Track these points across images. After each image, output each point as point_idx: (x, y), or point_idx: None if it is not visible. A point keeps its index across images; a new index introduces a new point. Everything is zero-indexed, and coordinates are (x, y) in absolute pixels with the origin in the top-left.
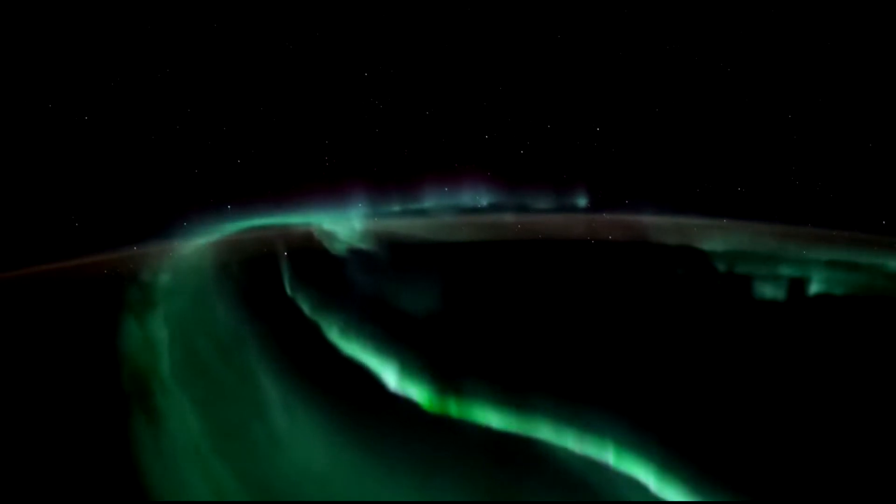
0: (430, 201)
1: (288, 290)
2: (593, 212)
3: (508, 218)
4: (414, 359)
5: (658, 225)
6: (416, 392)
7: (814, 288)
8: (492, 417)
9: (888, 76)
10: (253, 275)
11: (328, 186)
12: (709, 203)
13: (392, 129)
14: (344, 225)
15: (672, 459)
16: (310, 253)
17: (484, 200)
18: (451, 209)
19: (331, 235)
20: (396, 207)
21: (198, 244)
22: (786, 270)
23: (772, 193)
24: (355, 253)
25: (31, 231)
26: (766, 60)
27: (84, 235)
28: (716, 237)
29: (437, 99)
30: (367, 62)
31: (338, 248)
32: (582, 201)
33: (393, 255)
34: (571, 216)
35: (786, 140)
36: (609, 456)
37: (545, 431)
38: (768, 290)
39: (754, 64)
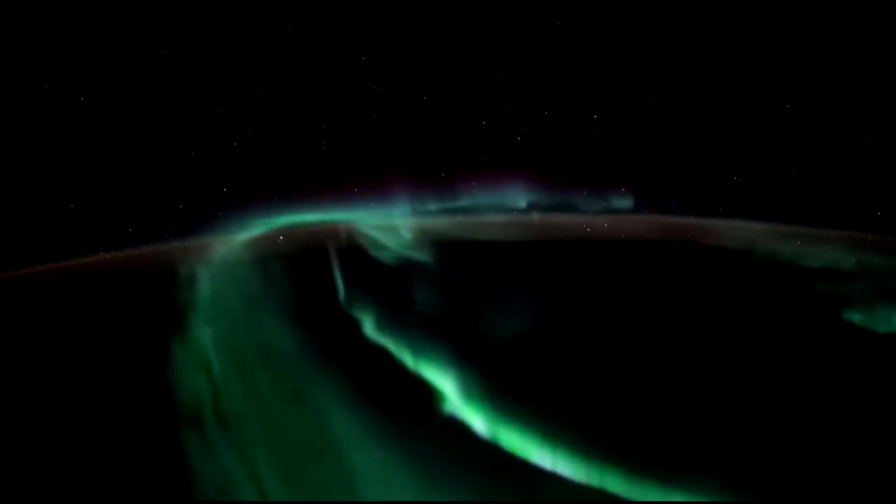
0: (476, 200)
1: (342, 300)
2: (641, 213)
3: (552, 218)
4: (477, 382)
5: (703, 226)
6: (476, 418)
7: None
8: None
9: None
10: (300, 279)
11: (369, 184)
12: (747, 205)
13: (434, 128)
14: (387, 224)
15: None
16: (355, 253)
17: (524, 201)
18: (495, 209)
19: (376, 234)
20: (437, 206)
21: (239, 240)
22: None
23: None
24: (404, 257)
25: (64, 226)
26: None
27: (118, 230)
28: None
29: (478, 99)
30: (412, 66)
31: (385, 250)
32: (629, 202)
33: (444, 258)
34: (623, 217)
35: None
36: None
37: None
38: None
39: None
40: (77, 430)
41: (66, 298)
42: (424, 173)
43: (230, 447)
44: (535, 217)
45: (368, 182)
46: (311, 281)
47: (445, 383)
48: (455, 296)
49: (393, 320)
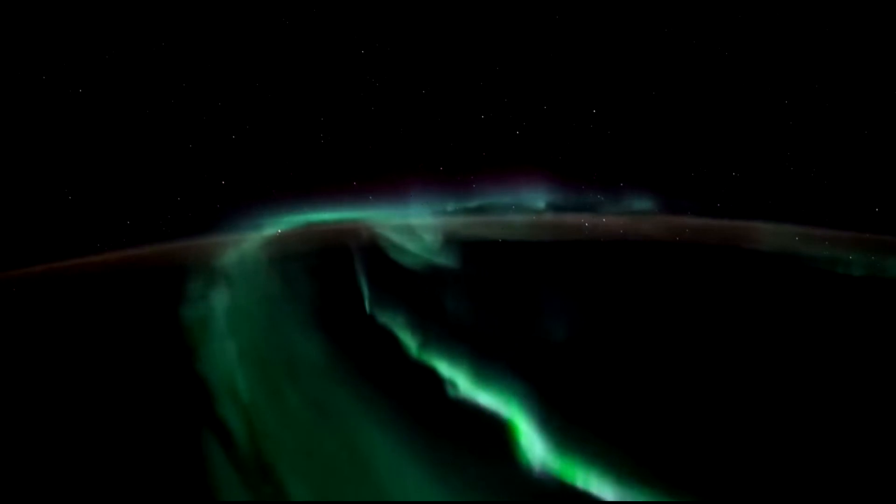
0: (492, 199)
1: (369, 308)
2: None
3: (574, 218)
4: (531, 402)
5: (723, 227)
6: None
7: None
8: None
9: None
10: (322, 284)
11: (382, 182)
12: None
13: (451, 125)
14: (405, 224)
15: None
16: (376, 257)
17: (542, 200)
18: (512, 208)
19: (395, 236)
20: (453, 205)
21: (247, 240)
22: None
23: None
24: (429, 260)
25: (81, 222)
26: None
27: (119, 227)
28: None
29: (499, 96)
30: (431, 64)
31: (408, 252)
32: (648, 203)
33: (469, 261)
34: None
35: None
36: None
37: None
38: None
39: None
40: (97, 446)
41: (70, 303)
42: (439, 172)
43: (262, 473)
44: (558, 217)
45: (382, 180)
46: (334, 286)
47: (493, 402)
48: (489, 303)
49: (427, 330)
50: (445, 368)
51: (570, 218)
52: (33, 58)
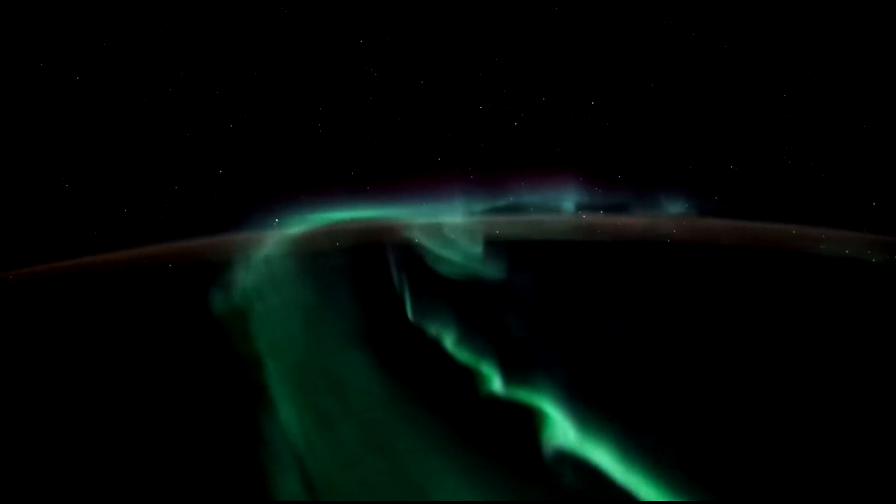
0: (523, 199)
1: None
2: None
3: (610, 219)
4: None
5: (757, 230)
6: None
7: None
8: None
9: None
10: (359, 293)
11: (423, 180)
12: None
13: (487, 125)
14: (436, 224)
15: None
16: (411, 261)
17: (573, 200)
18: (543, 208)
19: (427, 238)
20: (485, 205)
21: (278, 237)
22: None
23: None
24: (470, 265)
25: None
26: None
27: (145, 225)
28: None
29: (534, 96)
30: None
31: (446, 257)
32: (680, 205)
33: (507, 261)
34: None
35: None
36: None
37: None
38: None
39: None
40: (101, 453)
41: (76, 310)
42: (469, 171)
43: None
44: (588, 217)
45: (408, 179)
46: (370, 291)
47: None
48: (535, 313)
49: (483, 343)
50: (493, 382)
51: (600, 218)
52: (31, 50)
